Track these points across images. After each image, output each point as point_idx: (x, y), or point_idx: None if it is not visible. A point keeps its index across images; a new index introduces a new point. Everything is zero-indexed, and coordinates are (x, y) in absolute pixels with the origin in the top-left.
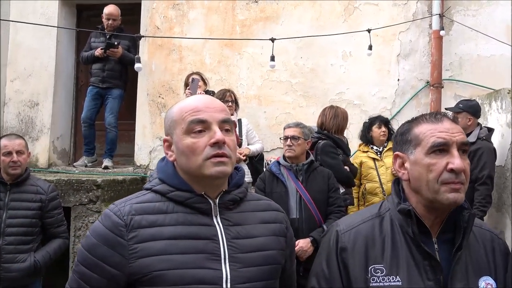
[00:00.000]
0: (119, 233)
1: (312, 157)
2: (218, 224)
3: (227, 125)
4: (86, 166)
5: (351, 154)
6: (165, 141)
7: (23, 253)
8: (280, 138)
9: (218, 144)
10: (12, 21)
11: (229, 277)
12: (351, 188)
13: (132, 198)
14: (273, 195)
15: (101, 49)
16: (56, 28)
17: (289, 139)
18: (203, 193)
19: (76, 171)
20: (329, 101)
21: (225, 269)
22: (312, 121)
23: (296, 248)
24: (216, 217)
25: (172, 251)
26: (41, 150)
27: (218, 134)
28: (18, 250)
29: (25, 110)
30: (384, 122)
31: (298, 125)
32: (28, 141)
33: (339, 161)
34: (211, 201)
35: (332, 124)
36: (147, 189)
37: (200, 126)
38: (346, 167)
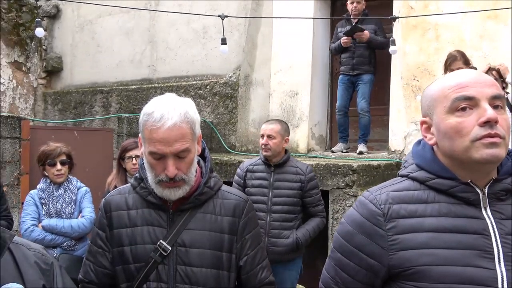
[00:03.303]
0: (376, 222)
1: None
2: (489, 217)
3: (499, 101)
4: (342, 151)
5: None
6: (422, 123)
7: (287, 230)
8: None
9: (489, 123)
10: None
11: (505, 279)
12: None
13: (387, 185)
14: None
15: (343, 34)
16: (312, 20)
17: None
18: (469, 181)
19: (333, 156)
20: None
21: (500, 270)
22: None
23: None
24: (485, 208)
25: (436, 245)
26: (301, 137)
27: (489, 112)
28: (282, 226)
29: (287, 99)
30: None
31: None
32: (290, 128)
33: None
34: (479, 191)
35: None
36: (402, 176)
37: (466, 103)
38: None
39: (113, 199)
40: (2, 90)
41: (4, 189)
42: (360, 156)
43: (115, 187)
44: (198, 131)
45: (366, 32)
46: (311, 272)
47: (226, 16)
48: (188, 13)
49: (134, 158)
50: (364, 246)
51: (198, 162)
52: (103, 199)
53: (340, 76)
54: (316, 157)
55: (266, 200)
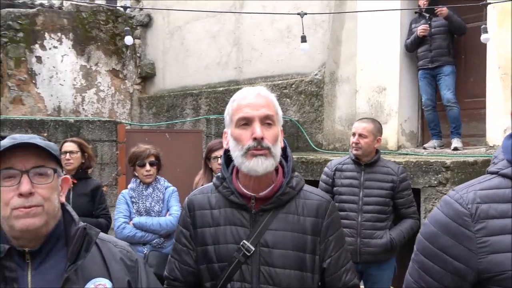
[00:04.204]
0: (463, 223)
1: None
2: None
3: None
4: (435, 148)
5: None
6: None
7: (380, 230)
8: None
9: None
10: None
11: None
12: None
13: (474, 183)
14: None
15: (416, 12)
16: (399, 12)
17: None
18: None
19: (425, 153)
20: None
21: None
22: None
23: None
24: None
25: None
26: (390, 133)
27: None
28: (375, 226)
29: (374, 95)
30: None
31: None
32: None
33: None
34: None
35: None
36: (492, 173)
37: None
38: None
39: (196, 198)
40: (102, 96)
41: (104, 189)
42: (455, 152)
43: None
44: (281, 119)
45: (444, 8)
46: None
47: (306, 14)
48: (270, 13)
49: (219, 158)
50: (449, 248)
51: (280, 162)
52: (186, 198)
53: (420, 71)
54: (406, 154)
55: (356, 200)
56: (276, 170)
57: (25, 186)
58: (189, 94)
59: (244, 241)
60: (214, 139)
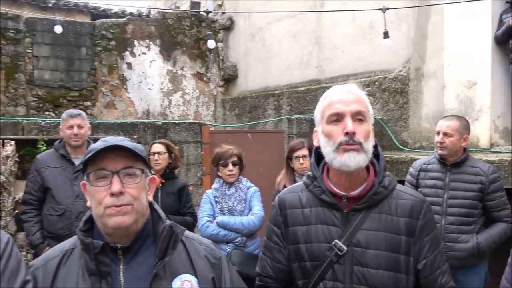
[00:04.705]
0: None
1: None
2: None
3: None
4: None
5: None
6: None
7: (465, 234)
8: None
9: None
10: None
11: None
12: None
13: None
14: None
15: (507, 2)
16: (490, 4)
17: None
18: None
19: None
20: None
21: None
22: None
23: None
24: None
25: None
26: (481, 130)
27: None
28: (460, 230)
29: (463, 90)
30: None
31: None
32: (469, 122)
33: None
34: None
35: None
36: None
37: None
38: None
39: (287, 197)
40: (187, 99)
41: (190, 188)
42: None
43: (284, 186)
44: (372, 117)
45: None
46: (499, 281)
47: (388, 9)
48: (351, 10)
49: (301, 158)
50: None
51: (371, 161)
52: (277, 197)
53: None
54: (500, 152)
55: (440, 202)
56: (367, 169)
57: (116, 186)
58: (271, 95)
59: (336, 240)
60: (296, 139)
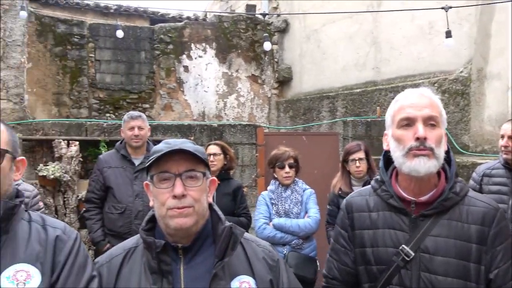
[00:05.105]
0: None
1: None
2: None
3: None
4: None
5: None
6: None
7: None
8: None
9: None
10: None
11: None
12: None
13: None
14: None
15: None
16: None
17: None
18: None
19: None
20: None
21: None
22: None
23: None
24: None
25: None
26: None
27: None
28: None
29: None
30: None
31: None
32: None
33: None
34: None
35: None
36: None
37: None
38: None
39: (354, 200)
40: (242, 101)
41: (244, 189)
42: None
43: (340, 189)
44: (445, 122)
45: None
46: None
47: (450, 7)
48: (411, 9)
49: (357, 161)
50: None
51: (443, 166)
52: (344, 200)
53: None
54: None
55: (505, 209)
56: (438, 174)
57: (179, 189)
58: (326, 97)
59: (403, 245)
60: (351, 141)
